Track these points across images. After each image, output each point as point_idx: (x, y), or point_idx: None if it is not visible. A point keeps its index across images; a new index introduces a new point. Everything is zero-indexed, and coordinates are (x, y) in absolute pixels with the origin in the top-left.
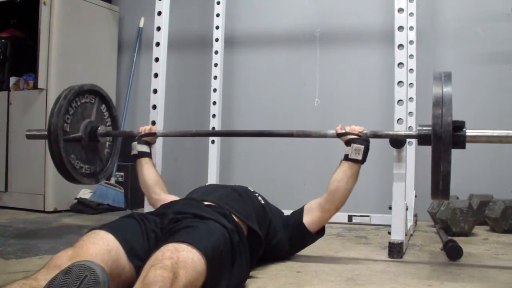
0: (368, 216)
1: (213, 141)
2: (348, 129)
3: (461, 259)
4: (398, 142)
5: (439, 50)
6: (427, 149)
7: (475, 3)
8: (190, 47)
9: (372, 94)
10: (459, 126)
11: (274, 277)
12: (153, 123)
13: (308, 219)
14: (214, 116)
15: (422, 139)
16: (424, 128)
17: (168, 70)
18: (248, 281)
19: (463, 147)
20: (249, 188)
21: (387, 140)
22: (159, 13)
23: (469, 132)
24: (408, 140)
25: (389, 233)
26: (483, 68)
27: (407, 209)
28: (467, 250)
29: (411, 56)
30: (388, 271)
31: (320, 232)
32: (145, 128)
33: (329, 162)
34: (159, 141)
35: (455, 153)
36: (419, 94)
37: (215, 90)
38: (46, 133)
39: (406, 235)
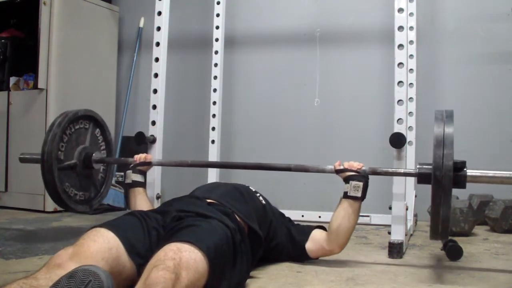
0: (368, 216)
1: (213, 141)
2: (346, 165)
3: (461, 259)
4: (398, 141)
5: (439, 50)
6: (427, 149)
7: (475, 3)
8: (190, 47)
9: (372, 94)
10: (460, 167)
11: (274, 277)
12: (153, 123)
13: (311, 247)
14: (214, 116)
15: (422, 178)
16: (424, 167)
17: (168, 70)
18: (248, 281)
19: (464, 187)
20: (250, 187)
21: (387, 139)
22: (159, 13)
23: (470, 172)
24: (408, 140)
25: (389, 233)
26: (483, 68)
27: (407, 209)
28: (467, 250)
29: (411, 56)
30: (388, 271)
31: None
32: (140, 157)
33: (329, 162)
34: (159, 141)
35: (455, 152)
36: (419, 94)
37: (215, 90)
38: (39, 157)
39: (406, 235)
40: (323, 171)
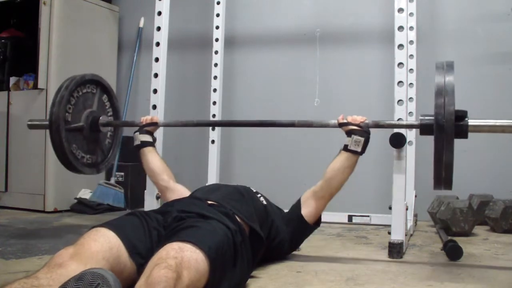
0: (368, 216)
1: (213, 141)
2: (349, 119)
3: (461, 259)
4: (398, 141)
5: (439, 50)
6: (427, 149)
7: (475, 3)
8: (190, 47)
9: (372, 94)
10: (461, 115)
11: (274, 277)
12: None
13: (306, 211)
14: (214, 116)
15: (424, 129)
16: (426, 118)
17: (168, 70)
18: (249, 281)
19: (465, 136)
20: (251, 188)
21: (387, 139)
22: (159, 13)
23: (471, 122)
24: (408, 140)
25: (389, 233)
26: (483, 68)
27: (407, 209)
28: (467, 250)
29: (411, 56)
30: (388, 271)
31: (317, 222)
32: (146, 118)
33: (329, 162)
34: (159, 140)
35: (455, 153)
36: (419, 94)
37: (215, 90)
38: (47, 123)
39: (406, 235)
40: (327, 125)
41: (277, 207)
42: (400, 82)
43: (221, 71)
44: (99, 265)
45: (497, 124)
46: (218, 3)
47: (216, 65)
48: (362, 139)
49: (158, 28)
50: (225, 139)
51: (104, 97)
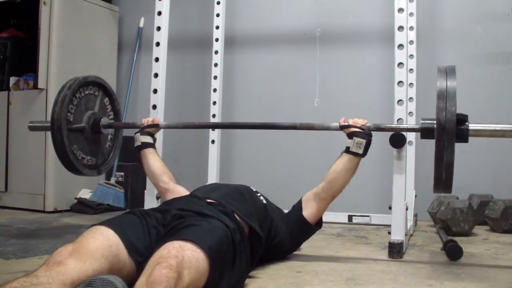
0: (368, 216)
1: (213, 141)
2: (351, 121)
3: (461, 259)
4: (398, 142)
5: (439, 50)
6: (427, 149)
7: (475, 3)
8: (190, 47)
9: (372, 94)
10: (462, 119)
11: (274, 277)
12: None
13: (308, 212)
14: (214, 116)
15: (425, 132)
16: (427, 121)
17: (168, 70)
18: (248, 281)
19: (466, 140)
20: (251, 187)
21: (387, 140)
22: (159, 13)
23: (472, 126)
24: (408, 140)
25: (389, 233)
26: (483, 68)
27: (407, 209)
28: (467, 250)
29: (411, 56)
30: (388, 271)
31: (319, 223)
32: (147, 120)
33: (330, 162)
34: (159, 141)
35: (456, 153)
36: (419, 94)
37: (215, 90)
38: (48, 124)
39: (406, 235)
40: (328, 128)
41: (277, 207)
42: (400, 82)
43: (221, 71)
44: (98, 263)
45: (498, 128)
46: (218, 3)
47: (216, 65)
48: (364, 141)
49: (158, 28)
50: (225, 139)
51: (106, 99)
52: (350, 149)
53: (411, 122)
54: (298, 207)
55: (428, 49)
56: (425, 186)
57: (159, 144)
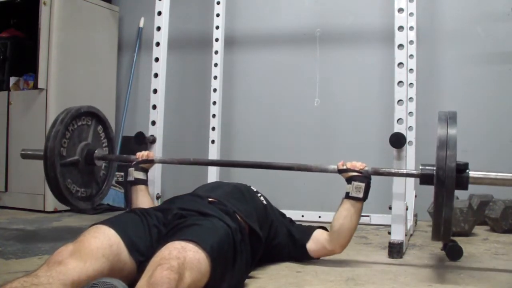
0: (368, 216)
1: (213, 141)
2: (349, 165)
3: (461, 259)
4: (398, 141)
5: (439, 50)
6: (427, 149)
7: (475, 3)
8: (190, 47)
9: (372, 94)
10: (462, 168)
11: (274, 277)
12: (153, 123)
13: (313, 247)
14: (214, 116)
15: (425, 179)
16: (427, 168)
17: (168, 70)
18: (248, 281)
19: (466, 188)
20: (251, 187)
21: (387, 140)
22: (159, 13)
23: (472, 174)
24: (408, 139)
25: (389, 233)
26: (483, 68)
27: (407, 209)
28: (467, 250)
29: (411, 56)
30: (388, 271)
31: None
32: (142, 154)
33: (330, 162)
34: (159, 141)
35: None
36: (419, 94)
37: (215, 90)
38: (41, 153)
39: (406, 235)
40: (325, 170)
41: (278, 210)
42: (400, 82)
43: (221, 71)
44: (98, 262)
45: (498, 177)
46: (218, 3)
47: (216, 65)
48: (363, 184)
49: (158, 28)
50: (225, 139)
51: (99, 127)
52: (350, 194)
53: (411, 122)
54: (306, 234)
55: (428, 49)
56: (425, 186)
57: (159, 144)
